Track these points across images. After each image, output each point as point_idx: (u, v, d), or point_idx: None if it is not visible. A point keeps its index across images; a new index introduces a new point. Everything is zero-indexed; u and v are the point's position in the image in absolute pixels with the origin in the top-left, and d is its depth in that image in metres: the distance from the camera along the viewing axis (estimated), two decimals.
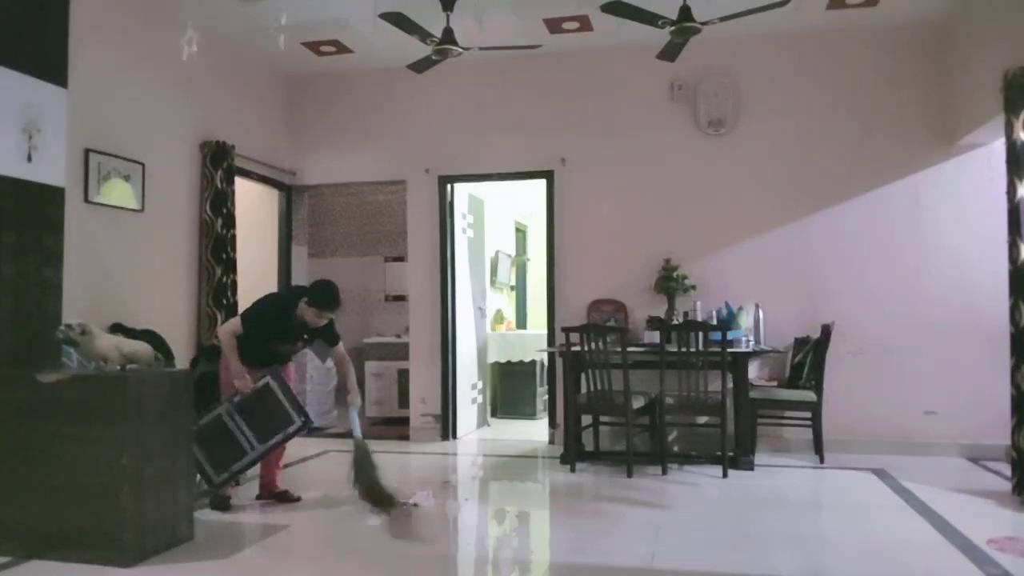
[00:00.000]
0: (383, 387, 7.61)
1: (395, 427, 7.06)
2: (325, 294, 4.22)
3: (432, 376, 6.63)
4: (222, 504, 4.27)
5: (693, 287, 5.86)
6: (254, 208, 6.79)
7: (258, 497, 4.49)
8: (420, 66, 5.33)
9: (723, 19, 4.67)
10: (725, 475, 5.03)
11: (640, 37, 5.54)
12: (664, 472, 5.16)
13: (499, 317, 8.48)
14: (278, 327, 4.27)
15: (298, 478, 5.31)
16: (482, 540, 3.97)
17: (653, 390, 5.36)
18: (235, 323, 4.25)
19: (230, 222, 5.75)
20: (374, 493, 4.15)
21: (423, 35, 4.91)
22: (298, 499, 4.47)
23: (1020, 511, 4.21)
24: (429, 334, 6.64)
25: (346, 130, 6.83)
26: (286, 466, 5.62)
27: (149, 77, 5.19)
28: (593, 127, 6.30)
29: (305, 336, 4.40)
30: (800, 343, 5.73)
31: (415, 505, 4.26)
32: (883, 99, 5.86)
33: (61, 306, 4.27)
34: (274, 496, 4.48)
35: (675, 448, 5.92)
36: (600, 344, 5.13)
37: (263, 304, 4.39)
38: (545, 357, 7.05)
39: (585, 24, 5.76)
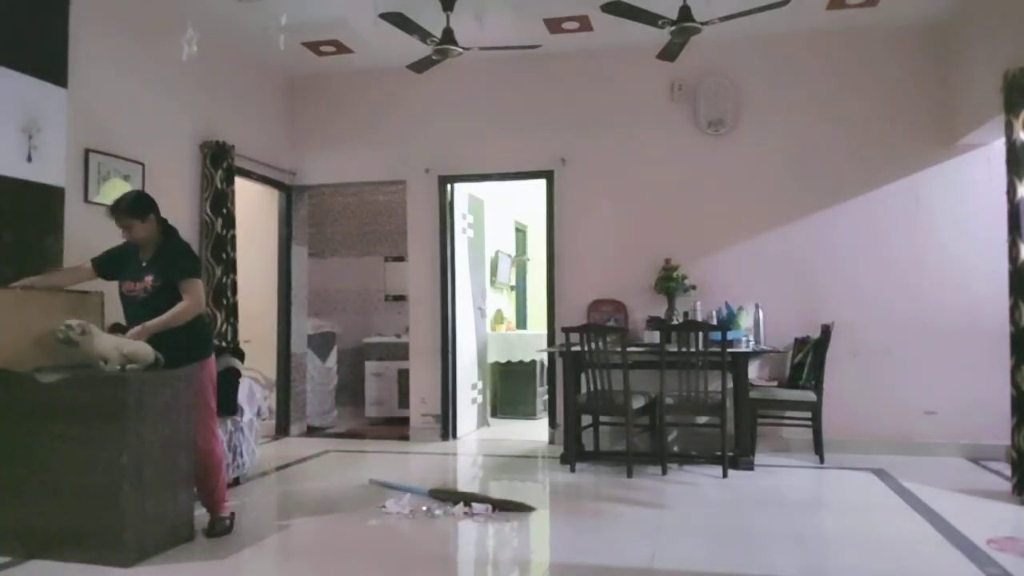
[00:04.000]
0: (383, 387, 7.62)
1: (395, 427, 7.06)
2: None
3: (432, 376, 6.63)
4: (224, 528, 3.86)
5: (693, 287, 5.86)
6: (254, 208, 6.79)
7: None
8: (420, 66, 5.34)
9: (723, 19, 4.67)
10: (725, 475, 5.03)
11: (640, 37, 5.55)
12: (664, 472, 5.16)
13: (499, 317, 8.48)
14: (128, 259, 3.81)
15: (298, 477, 5.32)
16: (482, 540, 3.96)
17: (653, 390, 5.36)
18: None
19: (230, 222, 5.75)
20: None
21: (423, 35, 4.92)
22: (225, 532, 3.86)
23: (1020, 511, 4.21)
24: (429, 334, 6.64)
25: (346, 130, 6.83)
26: (285, 465, 5.66)
27: (149, 77, 5.19)
28: (593, 127, 6.29)
29: (148, 275, 3.72)
30: (800, 343, 5.73)
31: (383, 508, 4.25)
32: (883, 99, 5.86)
33: None
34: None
35: (675, 448, 5.92)
36: (600, 344, 5.13)
37: None
38: (545, 357, 7.05)
39: (585, 24, 5.76)
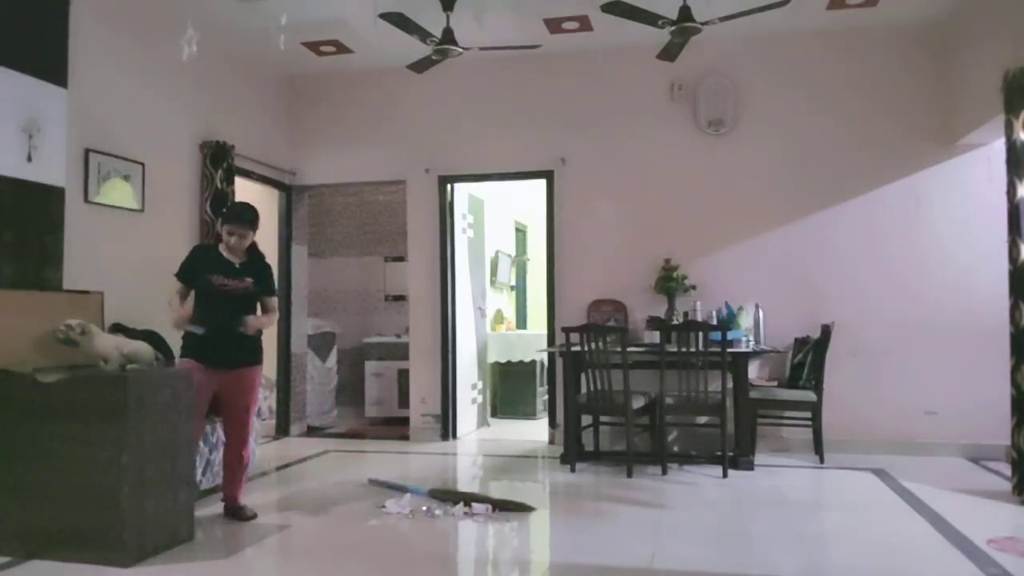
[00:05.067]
0: (383, 387, 7.62)
1: (395, 427, 7.06)
2: (230, 208, 4.25)
3: (432, 376, 6.63)
4: (240, 513, 4.11)
5: (693, 287, 5.86)
6: None
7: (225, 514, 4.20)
8: (420, 66, 5.34)
9: (723, 19, 4.68)
10: (725, 475, 5.03)
11: (640, 37, 5.55)
12: (664, 472, 5.16)
13: (499, 317, 8.48)
14: (209, 258, 4.06)
15: (298, 477, 5.32)
16: (482, 540, 3.96)
17: (653, 390, 5.36)
18: (172, 281, 4.05)
19: None
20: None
21: (423, 35, 4.92)
22: (253, 516, 4.14)
23: (1020, 511, 4.21)
24: (429, 334, 6.64)
25: (346, 130, 6.83)
26: (285, 465, 5.66)
27: (149, 77, 5.19)
28: (593, 127, 6.29)
29: (247, 277, 4.06)
30: (800, 343, 5.73)
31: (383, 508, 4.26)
32: (883, 99, 5.86)
33: None
34: (232, 512, 4.17)
35: (675, 448, 5.92)
36: (600, 344, 5.13)
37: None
38: (545, 357, 7.05)
39: (585, 24, 5.76)
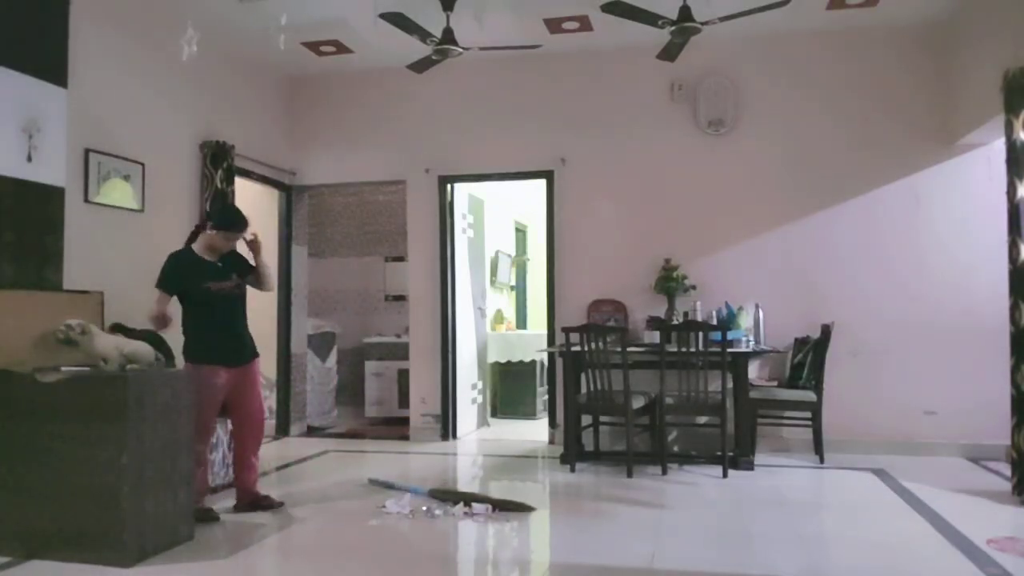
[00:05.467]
0: (383, 387, 7.62)
1: (395, 427, 7.07)
2: (226, 213, 4.25)
3: (432, 376, 6.63)
4: (207, 516, 4.01)
5: (693, 287, 5.86)
6: (254, 208, 6.76)
7: (236, 508, 4.25)
8: (420, 66, 5.34)
9: (723, 19, 4.68)
10: (725, 475, 5.03)
11: (640, 37, 5.55)
12: (664, 472, 5.16)
13: (499, 317, 8.48)
14: (193, 265, 4.06)
15: (298, 477, 5.32)
16: (482, 540, 3.96)
17: (653, 390, 5.36)
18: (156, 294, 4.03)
19: None
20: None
21: (423, 35, 4.92)
22: (281, 504, 4.26)
23: (1020, 511, 4.21)
24: (429, 334, 6.64)
25: (346, 130, 6.83)
26: (285, 465, 5.66)
27: (149, 77, 5.19)
28: (593, 127, 6.29)
29: (233, 274, 4.17)
30: (800, 343, 5.73)
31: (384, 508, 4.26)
32: (883, 99, 5.86)
33: None
34: (256, 504, 4.24)
35: (675, 448, 5.92)
36: (600, 344, 5.13)
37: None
38: (545, 357, 7.05)
39: (585, 24, 5.76)
